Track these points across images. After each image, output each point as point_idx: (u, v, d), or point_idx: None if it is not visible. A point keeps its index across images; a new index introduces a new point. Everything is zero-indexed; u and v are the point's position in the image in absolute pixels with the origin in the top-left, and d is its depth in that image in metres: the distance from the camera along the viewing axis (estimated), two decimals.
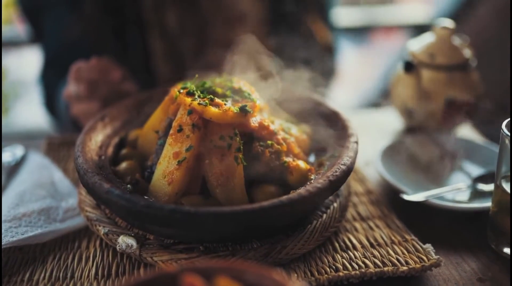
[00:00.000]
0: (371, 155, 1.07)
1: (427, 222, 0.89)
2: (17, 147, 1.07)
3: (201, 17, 1.38)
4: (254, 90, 0.86)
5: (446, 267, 0.78)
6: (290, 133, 0.88)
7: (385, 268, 0.74)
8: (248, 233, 0.75)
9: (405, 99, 1.17)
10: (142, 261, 0.75)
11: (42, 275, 0.75)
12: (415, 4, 3.69)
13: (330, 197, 0.84)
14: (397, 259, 0.76)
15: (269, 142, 0.80)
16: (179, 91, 0.80)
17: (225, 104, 0.78)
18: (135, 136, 0.92)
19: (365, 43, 3.76)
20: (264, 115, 0.87)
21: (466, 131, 1.23)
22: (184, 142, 0.75)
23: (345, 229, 0.84)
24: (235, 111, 0.77)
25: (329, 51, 1.52)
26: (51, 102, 1.43)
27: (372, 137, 1.19)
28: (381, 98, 2.72)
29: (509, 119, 0.78)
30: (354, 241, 0.81)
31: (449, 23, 1.18)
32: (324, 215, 0.81)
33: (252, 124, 0.80)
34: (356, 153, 0.82)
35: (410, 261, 0.75)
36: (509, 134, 0.75)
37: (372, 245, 0.80)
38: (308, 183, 0.76)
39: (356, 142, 0.84)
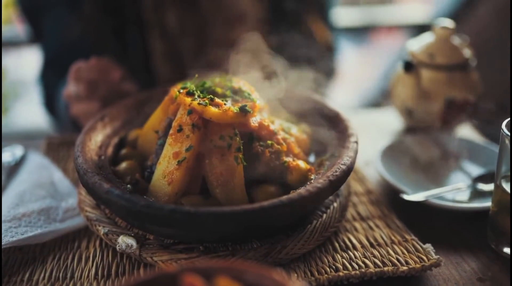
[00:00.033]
0: (371, 155, 1.07)
1: (427, 222, 0.89)
2: (16, 147, 1.07)
3: (201, 17, 1.38)
4: (254, 90, 0.86)
5: (446, 267, 0.78)
6: (290, 133, 0.88)
7: (385, 268, 0.74)
8: (248, 233, 0.75)
9: (405, 99, 1.17)
10: (142, 261, 0.75)
11: (42, 275, 0.75)
12: (415, 4, 3.69)
13: (330, 197, 0.84)
14: (397, 259, 0.76)
15: (269, 142, 0.80)
16: (179, 91, 0.80)
17: (225, 104, 0.78)
18: (135, 136, 0.92)
19: (365, 43, 3.76)
20: (264, 115, 0.87)
21: (466, 131, 1.23)
22: (184, 142, 0.75)
23: (345, 229, 0.84)
24: (235, 111, 0.77)
25: (329, 51, 1.52)
26: (51, 102, 1.43)
27: (372, 137, 1.19)
28: (381, 98, 2.72)
29: (509, 119, 0.78)
30: (354, 241, 0.81)
31: (449, 23, 1.18)
32: (324, 215, 0.81)
33: (252, 124, 0.80)
34: (356, 153, 0.82)
35: (410, 261, 0.75)
36: (509, 134, 0.75)
37: (372, 245, 0.80)
38: (308, 183, 0.76)
39: (356, 142, 0.84)
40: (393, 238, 0.81)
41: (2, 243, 0.76)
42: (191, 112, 0.76)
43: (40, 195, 0.87)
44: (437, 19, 1.31)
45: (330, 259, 0.77)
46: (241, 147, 0.77)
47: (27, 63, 2.95)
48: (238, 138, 0.77)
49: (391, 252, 0.78)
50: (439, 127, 1.18)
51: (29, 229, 0.79)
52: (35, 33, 1.48)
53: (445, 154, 1.08)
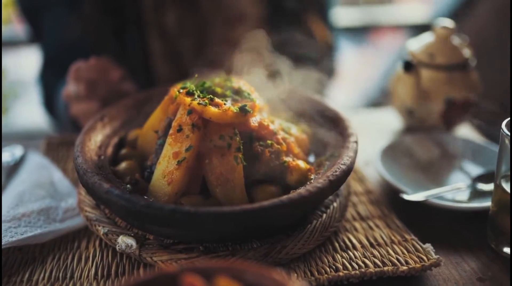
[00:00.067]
0: (371, 155, 1.07)
1: (427, 221, 0.89)
2: (16, 147, 1.07)
3: (200, 17, 1.38)
4: (254, 90, 0.86)
5: (446, 266, 0.78)
6: (289, 132, 0.88)
7: (385, 268, 0.74)
8: (248, 233, 0.75)
9: (405, 98, 1.17)
10: (142, 261, 0.75)
11: (42, 275, 0.75)
12: (414, 4, 3.69)
13: (330, 197, 0.84)
14: (397, 259, 0.76)
15: (268, 141, 0.80)
16: (178, 91, 0.80)
17: (224, 104, 0.78)
18: (134, 136, 0.92)
19: (364, 43, 3.76)
20: (264, 115, 0.87)
21: (466, 131, 1.23)
22: (184, 142, 0.75)
23: (345, 229, 0.84)
24: (235, 110, 0.77)
25: (329, 51, 1.52)
26: (50, 102, 1.43)
27: (372, 136, 1.19)
28: (381, 98, 2.72)
29: (509, 118, 0.78)
30: (354, 241, 0.81)
31: (448, 22, 1.18)
32: (324, 215, 0.81)
33: (252, 123, 0.80)
34: (356, 152, 0.81)
35: (410, 261, 0.75)
36: (509, 133, 0.75)
37: (372, 245, 0.80)
38: (308, 183, 0.76)
39: (356, 142, 0.84)
40: (393, 238, 0.81)
41: (2, 243, 0.76)
42: (191, 112, 0.76)
43: (39, 195, 0.87)
44: (436, 19, 1.31)
45: (330, 259, 0.77)
46: (241, 147, 0.77)
47: (26, 63, 2.95)
48: (238, 138, 0.77)
49: (391, 252, 0.78)
50: (439, 127, 1.18)
51: (29, 229, 0.79)
52: (35, 33, 1.48)
53: (445, 154, 1.08)
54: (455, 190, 0.92)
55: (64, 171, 1.03)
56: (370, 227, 0.85)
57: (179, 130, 0.76)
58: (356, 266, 0.74)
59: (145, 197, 0.76)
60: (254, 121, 0.80)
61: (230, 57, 0.92)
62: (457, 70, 1.14)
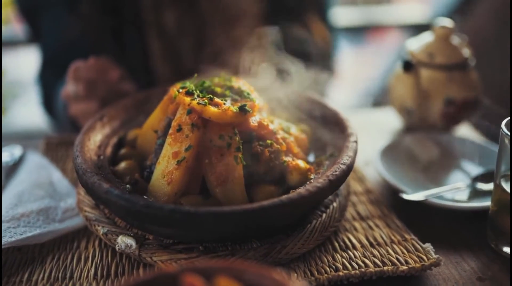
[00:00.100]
0: (371, 155, 1.07)
1: (426, 221, 0.89)
2: (15, 147, 1.07)
3: (200, 17, 1.38)
4: (254, 90, 0.86)
5: (446, 266, 0.78)
6: (289, 132, 0.88)
7: (385, 268, 0.73)
8: (248, 233, 0.75)
9: (404, 98, 1.17)
10: (142, 261, 0.75)
11: (41, 275, 0.75)
12: (413, 3, 3.69)
13: (330, 197, 0.84)
14: (397, 259, 0.76)
15: (268, 141, 0.80)
16: (178, 91, 0.80)
17: (224, 104, 0.78)
18: (134, 136, 0.92)
19: (363, 43, 3.76)
20: (263, 115, 0.87)
21: (465, 131, 1.23)
22: (184, 141, 0.75)
23: (345, 229, 0.84)
24: (235, 110, 0.77)
25: (328, 51, 1.52)
26: (49, 102, 1.43)
27: (372, 136, 1.19)
28: (380, 97, 2.72)
29: (508, 118, 0.78)
30: (354, 240, 0.81)
31: (448, 22, 1.18)
32: (324, 215, 0.81)
33: (251, 123, 0.80)
34: (355, 152, 0.81)
35: (410, 261, 0.75)
36: (508, 133, 0.75)
37: (371, 245, 0.80)
38: (308, 182, 0.76)
39: (356, 142, 0.84)
40: (392, 237, 0.81)
41: (1, 244, 0.75)
42: (190, 111, 0.76)
43: (39, 195, 0.87)
44: (435, 18, 1.31)
45: (330, 258, 0.76)
46: (241, 146, 0.76)
47: (25, 63, 2.94)
48: (237, 138, 0.76)
49: (390, 251, 0.78)
50: (439, 127, 1.18)
51: (28, 229, 0.79)
52: (34, 33, 1.48)
53: (444, 153, 1.08)
54: (455, 190, 0.92)
55: (63, 171, 1.02)
56: (370, 227, 0.85)
57: (179, 129, 0.76)
58: (356, 266, 0.74)
59: (145, 197, 0.75)
60: (253, 120, 0.80)
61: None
62: (457, 69, 1.14)
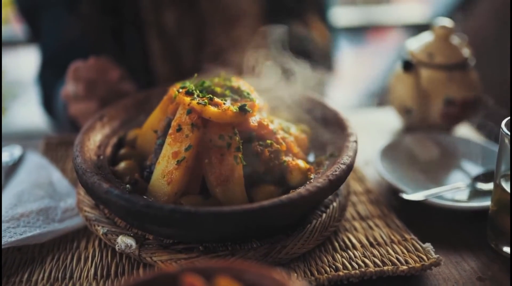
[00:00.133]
0: (371, 155, 1.07)
1: (426, 221, 0.89)
2: (15, 147, 1.07)
3: (199, 17, 1.38)
4: (253, 89, 0.86)
5: (446, 266, 0.78)
6: (289, 132, 0.88)
7: (385, 268, 0.73)
8: (248, 233, 0.74)
9: (404, 98, 1.17)
10: (142, 261, 0.75)
11: (41, 275, 0.75)
12: (412, 3, 3.69)
13: (330, 197, 0.84)
14: (397, 258, 0.76)
15: (268, 141, 0.80)
16: (178, 91, 0.80)
17: (224, 104, 0.78)
18: (133, 136, 0.92)
19: (363, 43, 3.76)
20: (263, 115, 0.87)
21: (465, 131, 1.23)
22: (183, 141, 0.75)
23: (345, 229, 0.84)
24: (235, 110, 0.77)
25: (328, 51, 1.52)
26: (49, 102, 1.43)
27: (371, 136, 1.19)
28: (380, 97, 2.72)
29: (508, 118, 0.78)
30: (354, 240, 0.81)
31: (447, 22, 1.18)
32: (324, 215, 0.81)
33: (251, 123, 0.79)
34: (355, 152, 0.81)
35: (410, 260, 0.75)
36: (508, 133, 0.75)
37: (371, 245, 0.80)
38: (308, 182, 0.76)
39: (356, 141, 0.84)
40: (392, 237, 0.81)
41: (1, 244, 0.75)
42: (190, 111, 0.76)
43: (38, 195, 0.87)
44: (434, 18, 1.31)
45: (330, 258, 0.76)
46: (241, 146, 0.76)
47: (25, 63, 2.94)
48: (237, 138, 0.76)
49: (390, 251, 0.78)
50: (439, 127, 1.18)
51: (28, 230, 0.79)
52: (33, 32, 1.48)
53: (444, 153, 1.08)
54: (455, 190, 0.92)
55: (63, 171, 1.02)
56: (370, 227, 0.85)
57: (179, 129, 0.76)
58: (356, 266, 0.74)
59: (145, 197, 0.75)
60: (253, 120, 0.80)
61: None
62: (457, 69, 1.14)
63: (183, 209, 0.66)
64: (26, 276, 0.75)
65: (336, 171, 0.75)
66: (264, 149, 0.79)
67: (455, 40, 1.17)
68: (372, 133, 1.22)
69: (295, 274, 0.73)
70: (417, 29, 2.82)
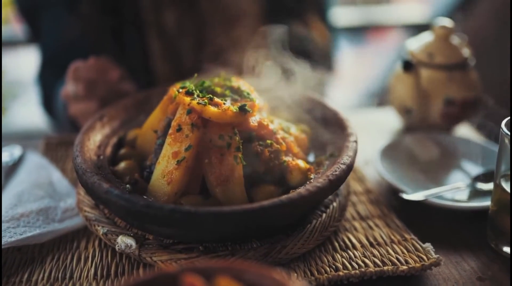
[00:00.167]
0: (371, 154, 1.07)
1: (426, 221, 0.89)
2: (14, 147, 1.07)
3: (199, 17, 1.38)
4: (253, 89, 0.86)
5: (446, 266, 0.78)
6: (289, 132, 0.88)
7: (385, 268, 0.73)
8: (248, 233, 0.74)
9: (404, 98, 1.17)
10: (142, 261, 0.75)
11: (41, 275, 0.75)
12: (412, 3, 3.69)
13: (330, 197, 0.84)
14: (397, 258, 0.76)
15: (268, 141, 0.80)
16: (178, 91, 0.80)
17: (224, 104, 0.78)
18: (133, 136, 0.92)
19: (363, 43, 3.76)
20: (263, 115, 0.87)
21: (465, 130, 1.23)
22: (183, 141, 0.75)
23: (345, 229, 0.84)
24: (235, 110, 0.77)
25: (328, 51, 1.52)
26: (49, 102, 1.43)
27: (371, 136, 1.19)
28: (380, 97, 2.72)
29: (508, 118, 0.78)
30: (354, 240, 0.81)
31: (447, 22, 1.18)
32: (324, 215, 0.81)
33: (251, 123, 0.79)
34: (355, 152, 0.81)
35: (410, 260, 0.75)
36: (508, 133, 0.75)
37: (371, 245, 0.80)
38: (308, 182, 0.76)
39: (356, 141, 0.84)
40: (392, 237, 0.81)
41: (1, 244, 0.75)
42: (190, 111, 0.76)
43: (38, 195, 0.87)
44: (434, 18, 1.31)
45: (330, 258, 0.76)
46: (241, 146, 0.76)
47: (25, 63, 2.94)
48: (237, 138, 0.76)
49: (390, 251, 0.78)
50: (439, 127, 1.18)
51: (28, 230, 0.79)
52: (33, 32, 1.48)
53: (444, 153, 1.08)
54: (455, 190, 0.92)
55: (63, 171, 1.02)
56: (370, 227, 0.85)
57: (179, 129, 0.76)
58: (356, 266, 0.74)
59: (145, 197, 0.75)
60: (253, 120, 0.80)
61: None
62: (457, 69, 1.14)
63: (183, 209, 0.66)
64: (26, 276, 0.75)
65: (336, 171, 0.75)
66: (264, 149, 0.79)
67: (455, 40, 1.17)
68: (372, 133, 1.22)
69: (295, 274, 0.73)
70: (417, 29, 2.82)
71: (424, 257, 0.75)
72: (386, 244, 0.80)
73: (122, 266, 0.76)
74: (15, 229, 0.78)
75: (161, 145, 0.79)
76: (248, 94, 0.83)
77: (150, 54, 1.39)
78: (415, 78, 1.14)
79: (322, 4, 1.56)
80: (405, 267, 0.74)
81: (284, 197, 0.69)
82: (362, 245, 0.80)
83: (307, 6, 1.48)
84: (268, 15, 1.42)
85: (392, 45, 3.53)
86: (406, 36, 3.13)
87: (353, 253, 0.77)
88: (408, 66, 1.14)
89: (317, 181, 0.73)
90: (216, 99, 0.78)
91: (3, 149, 1.06)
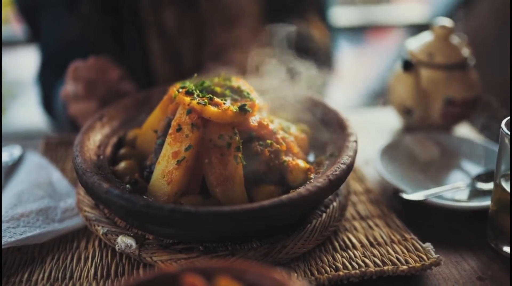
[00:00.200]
0: (371, 154, 1.07)
1: (426, 221, 0.89)
2: (14, 147, 1.07)
3: (199, 17, 1.38)
4: (253, 89, 0.86)
5: (446, 266, 0.78)
6: (289, 132, 0.88)
7: (385, 267, 0.73)
8: (248, 233, 0.74)
9: (404, 98, 1.17)
10: (142, 261, 0.75)
11: (41, 275, 0.75)
12: (411, 3, 3.69)
13: (330, 196, 0.84)
14: (397, 258, 0.76)
15: (268, 141, 0.80)
16: (178, 90, 0.80)
17: (224, 103, 0.78)
18: (133, 136, 0.91)
19: (363, 43, 3.76)
20: (263, 114, 0.87)
21: (465, 130, 1.23)
22: (183, 141, 0.75)
23: (345, 228, 0.84)
24: (235, 110, 0.77)
25: (328, 50, 1.52)
26: (49, 102, 1.43)
27: (371, 136, 1.19)
28: (380, 97, 2.72)
29: (508, 117, 0.78)
30: (354, 240, 0.81)
31: (447, 22, 1.18)
32: (324, 214, 0.81)
33: (251, 123, 0.79)
34: (355, 152, 0.81)
35: (410, 260, 0.75)
36: (508, 132, 0.75)
37: (371, 244, 0.80)
38: (308, 182, 0.76)
39: (356, 141, 0.84)
40: (392, 237, 0.81)
41: (1, 244, 0.75)
42: (190, 111, 0.76)
43: (38, 195, 0.87)
44: (434, 18, 1.31)
45: (330, 258, 0.76)
46: (241, 146, 0.76)
47: (24, 63, 2.94)
48: (237, 138, 0.76)
49: (391, 251, 0.78)
50: (438, 126, 1.18)
51: (28, 230, 0.79)
52: (33, 32, 1.48)
53: (444, 153, 1.08)
54: (455, 189, 0.92)
55: (63, 171, 1.02)
56: (370, 227, 0.85)
57: (179, 129, 0.76)
58: (356, 266, 0.74)
59: (145, 197, 0.75)
60: (253, 120, 0.80)
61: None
62: (456, 69, 1.14)
63: (183, 209, 0.66)
64: (26, 276, 0.75)
65: (336, 171, 0.75)
66: (264, 149, 0.79)
67: (455, 40, 1.17)
68: (372, 133, 1.22)
69: (295, 274, 0.73)
70: (417, 29, 2.82)
71: (424, 257, 0.75)
72: (386, 244, 0.80)
73: (122, 266, 0.76)
74: (15, 229, 0.78)
75: (161, 145, 0.79)
76: (248, 94, 0.83)
77: (150, 54, 1.39)
78: (415, 78, 1.14)
79: (322, 4, 1.56)
80: (405, 267, 0.73)
81: (284, 197, 0.69)
82: (362, 245, 0.80)
83: (307, 6, 1.48)
84: (268, 15, 1.42)
85: (392, 45, 3.53)
86: (406, 36, 3.13)
87: (353, 253, 0.77)
88: (408, 66, 1.14)
89: (317, 181, 0.73)
90: (216, 99, 0.78)
91: (3, 149, 1.06)
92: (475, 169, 1.02)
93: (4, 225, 0.78)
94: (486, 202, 0.86)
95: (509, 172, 0.77)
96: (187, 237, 0.74)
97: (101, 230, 0.78)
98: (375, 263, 0.75)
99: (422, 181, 0.99)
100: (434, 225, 0.88)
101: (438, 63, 1.14)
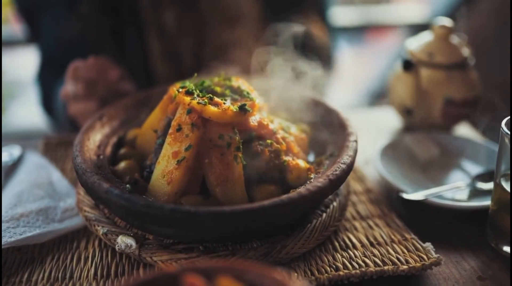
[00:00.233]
0: (371, 154, 1.07)
1: (426, 221, 0.89)
2: (14, 147, 1.07)
3: (199, 17, 1.38)
4: (253, 89, 0.86)
5: (446, 265, 0.78)
6: (289, 132, 0.88)
7: (385, 267, 0.73)
8: (248, 233, 0.74)
9: (404, 98, 1.17)
10: (142, 261, 0.75)
11: (41, 275, 0.75)
12: (411, 3, 3.69)
13: (330, 196, 0.84)
14: (397, 258, 0.76)
15: (268, 141, 0.80)
16: (178, 90, 0.80)
17: (224, 103, 0.78)
18: (133, 136, 0.91)
19: (363, 43, 3.76)
20: (263, 114, 0.87)
21: (465, 130, 1.23)
22: (183, 141, 0.75)
23: (345, 228, 0.84)
24: (235, 110, 0.77)
25: (328, 50, 1.52)
26: (48, 102, 1.43)
27: (371, 136, 1.19)
28: (380, 97, 2.72)
29: (508, 117, 0.78)
30: (354, 240, 0.81)
31: (447, 22, 1.18)
32: (324, 214, 0.81)
33: (251, 123, 0.79)
34: (355, 152, 0.81)
35: (410, 260, 0.75)
36: (508, 132, 0.75)
37: (372, 244, 0.80)
38: (308, 182, 0.76)
39: (356, 141, 0.84)
40: (393, 237, 0.81)
41: (1, 244, 0.75)
42: (190, 111, 0.76)
43: (38, 195, 0.87)
44: (434, 18, 1.32)
45: (330, 258, 0.76)
46: (241, 146, 0.76)
47: (24, 63, 2.94)
48: (237, 137, 0.76)
49: (391, 251, 0.78)
50: (438, 126, 1.18)
51: (28, 230, 0.78)
52: (32, 32, 1.48)
53: (444, 153, 1.08)
54: (455, 189, 0.92)
55: (63, 171, 1.02)
56: (370, 226, 0.85)
57: (179, 129, 0.76)
58: (357, 265, 0.74)
59: (145, 197, 0.75)
60: (253, 120, 0.80)
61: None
62: (456, 69, 1.14)
63: (183, 209, 0.66)
64: (26, 276, 0.75)
65: (336, 170, 0.75)
66: (264, 148, 0.79)
67: (455, 39, 1.17)
68: (372, 133, 1.22)
69: (296, 274, 0.73)
70: (417, 28, 2.82)
71: (425, 257, 0.75)
72: (386, 243, 0.80)
73: (122, 266, 0.76)
74: (15, 229, 0.78)
75: (161, 145, 0.79)
76: (248, 93, 0.83)
77: (150, 54, 1.39)
78: (415, 78, 1.14)
79: (321, 4, 1.56)
80: (405, 266, 0.73)
81: (284, 196, 0.69)
82: (363, 245, 0.80)
83: (306, 6, 1.48)
84: (268, 14, 1.42)
85: (392, 45, 3.53)
86: (406, 36, 3.13)
87: (354, 253, 0.77)
88: (408, 65, 1.14)
89: (317, 180, 0.73)
90: (216, 99, 0.78)
91: (3, 149, 1.06)
92: (475, 169, 1.02)
93: (4, 225, 0.78)
94: (486, 202, 0.86)
95: (509, 172, 0.77)
96: (187, 237, 0.74)
97: (101, 230, 0.78)
98: (375, 263, 0.75)
99: (422, 181, 0.99)
100: (434, 225, 0.88)
101: (438, 63, 1.14)
